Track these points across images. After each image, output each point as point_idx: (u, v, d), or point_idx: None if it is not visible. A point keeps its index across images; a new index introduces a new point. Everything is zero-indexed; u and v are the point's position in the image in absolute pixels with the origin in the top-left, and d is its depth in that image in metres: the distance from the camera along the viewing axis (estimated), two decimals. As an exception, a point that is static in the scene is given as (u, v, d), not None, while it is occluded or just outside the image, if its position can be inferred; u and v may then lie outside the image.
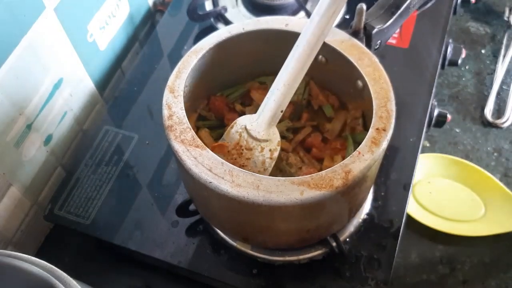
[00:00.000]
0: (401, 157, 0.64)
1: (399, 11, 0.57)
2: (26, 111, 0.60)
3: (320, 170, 0.48)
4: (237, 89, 0.60)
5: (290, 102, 0.54)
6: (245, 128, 0.51)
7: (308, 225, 0.48)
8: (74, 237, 0.65)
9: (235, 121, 0.52)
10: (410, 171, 0.63)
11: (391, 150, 0.64)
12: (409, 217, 0.69)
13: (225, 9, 0.79)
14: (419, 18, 0.77)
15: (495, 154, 0.77)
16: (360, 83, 0.51)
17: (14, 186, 0.61)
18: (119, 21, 0.75)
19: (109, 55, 0.75)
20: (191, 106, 0.56)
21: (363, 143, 0.45)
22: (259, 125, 0.50)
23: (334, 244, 0.56)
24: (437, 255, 0.68)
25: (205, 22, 0.79)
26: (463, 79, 0.85)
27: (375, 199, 0.61)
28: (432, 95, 0.69)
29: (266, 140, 0.50)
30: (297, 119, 0.58)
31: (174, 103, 0.48)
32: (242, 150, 0.50)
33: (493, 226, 0.69)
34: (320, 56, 0.54)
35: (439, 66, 0.72)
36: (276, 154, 0.50)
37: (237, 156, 0.50)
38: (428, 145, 0.78)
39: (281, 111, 0.50)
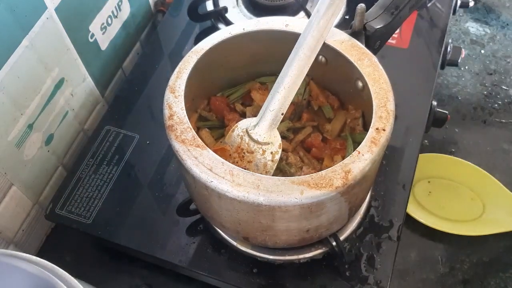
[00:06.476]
0: (401, 157, 0.64)
1: (399, 12, 0.57)
2: (27, 111, 0.60)
3: (320, 170, 0.48)
4: (238, 89, 0.60)
5: (291, 103, 0.54)
6: (246, 131, 0.51)
7: (308, 225, 0.48)
8: (75, 237, 0.65)
9: (236, 124, 0.52)
10: (409, 171, 0.63)
11: (391, 150, 0.64)
12: (408, 217, 0.69)
13: (226, 10, 0.79)
14: (419, 18, 0.77)
15: (495, 154, 0.77)
16: (360, 83, 0.52)
17: (15, 185, 0.61)
18: (120, 22, 0.76)
19: (110, 55, 0.75)
20: (191, 106, 0.56)
21: (362, 143, 0.45)
22: (260, 128, 0.50)
23: (334, 243, 0.56)
24: (436, 255, 0.68)
25: (205, 23, 0.79)
26: (463, 79, 0.85)
27: (375, 199, 0.62)
28: (432, 95, 0.69)
29: (267, 143, 0.50)
30: (298, 119, 0.58)
31: (174, 103, 0.49)
32: (244, 153, 0.50)
33: (492, 225, 0.70)
34: (320, 57, 0.55)
35: (438, 66, 0.72)
36: (277, 156, 0.50)
37: (238, 159, 0.50)
38: (427, 145, 0.78)
39: (282, 114, 0.50)
